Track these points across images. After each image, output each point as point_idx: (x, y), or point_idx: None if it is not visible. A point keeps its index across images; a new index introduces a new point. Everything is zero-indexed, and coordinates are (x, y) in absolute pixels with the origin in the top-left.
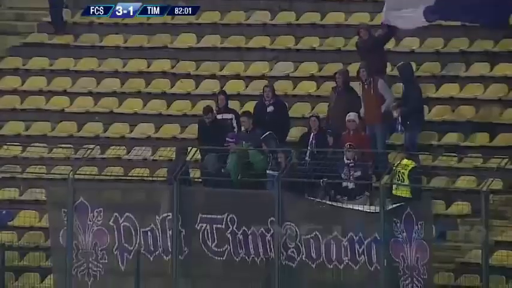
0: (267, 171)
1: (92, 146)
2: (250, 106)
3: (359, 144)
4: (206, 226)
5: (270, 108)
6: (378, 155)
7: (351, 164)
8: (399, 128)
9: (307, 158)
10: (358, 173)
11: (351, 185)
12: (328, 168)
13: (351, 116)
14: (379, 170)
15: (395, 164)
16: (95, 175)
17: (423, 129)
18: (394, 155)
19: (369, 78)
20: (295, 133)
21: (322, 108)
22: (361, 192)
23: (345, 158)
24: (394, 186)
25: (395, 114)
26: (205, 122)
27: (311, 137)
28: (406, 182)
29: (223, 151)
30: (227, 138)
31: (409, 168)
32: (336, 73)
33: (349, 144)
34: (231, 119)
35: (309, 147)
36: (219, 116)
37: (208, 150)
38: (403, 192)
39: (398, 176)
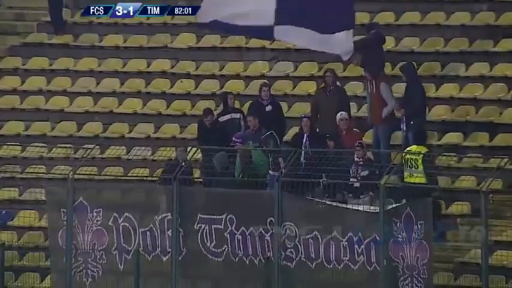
0: (269, 172)
1: (91, 146)
2: None
3: (355, 142)
4: (205, 226)
5: (268, 108)
6: (381, 155)
7: (360, 163)
8: (403, 128)
9: (302, 160)
10: (366, 172)
11: (357, 183)
12: (328, 169)
13: (343, 114)
14: (384, 170)
15: (404, 153)
16: (95, 175)
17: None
18: (394, 155)
19: (372, 79)
20: (294, 133)
21: None
22: (366, 192)
23: (355, 157)
24: (407, 174)
25: (398, 114)
26: (205, 124)
27: (305, 138)
28: (420, 167)
29: (228, 151)
30: (234, 139)
31: (422, 153)
32: (326, 72)
33: (359, 143)
34: (239, 118)
35: (303, 148)
36: (227, 116)
37: (210, 150)
38: (418, 178)
39: (411, 163)
